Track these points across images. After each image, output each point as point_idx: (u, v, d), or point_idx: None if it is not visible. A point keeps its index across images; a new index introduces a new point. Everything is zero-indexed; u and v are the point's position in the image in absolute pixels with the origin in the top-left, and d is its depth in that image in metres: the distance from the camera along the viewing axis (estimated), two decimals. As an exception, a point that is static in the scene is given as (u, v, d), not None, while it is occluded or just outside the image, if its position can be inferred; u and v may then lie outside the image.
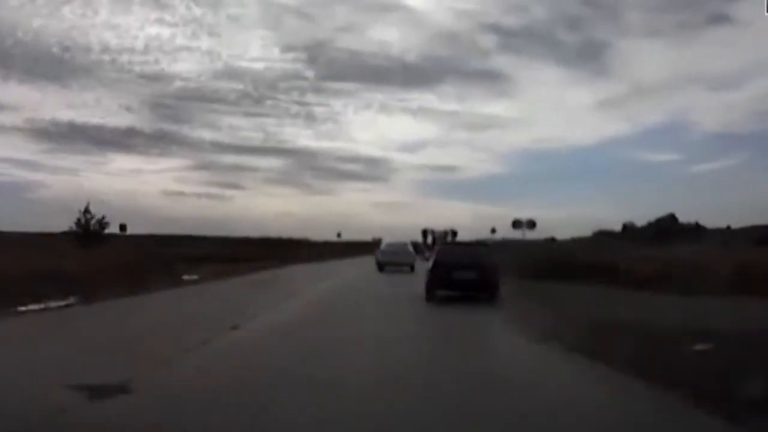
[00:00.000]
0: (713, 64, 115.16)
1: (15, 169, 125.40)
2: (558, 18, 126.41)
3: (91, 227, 38.49)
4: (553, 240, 54.98)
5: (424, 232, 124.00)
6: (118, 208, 75.72)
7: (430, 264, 17.87)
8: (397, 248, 35.36)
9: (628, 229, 42.65)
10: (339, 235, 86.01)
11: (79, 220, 38.56)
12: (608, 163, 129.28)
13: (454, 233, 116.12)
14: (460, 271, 16.63)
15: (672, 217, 45.46)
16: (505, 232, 58.74)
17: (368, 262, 40.37)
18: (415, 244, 54.50)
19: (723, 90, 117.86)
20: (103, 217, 39.29)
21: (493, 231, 62.57)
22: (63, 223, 40.03)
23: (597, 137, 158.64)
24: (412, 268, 33.28)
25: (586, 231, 58.56)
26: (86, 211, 38.72)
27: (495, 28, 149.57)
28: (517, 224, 41.92)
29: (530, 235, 42.28)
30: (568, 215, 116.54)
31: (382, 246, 36.43)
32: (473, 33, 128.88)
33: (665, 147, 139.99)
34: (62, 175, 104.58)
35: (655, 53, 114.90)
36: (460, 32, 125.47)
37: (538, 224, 42.08)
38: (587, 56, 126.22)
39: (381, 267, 33.92)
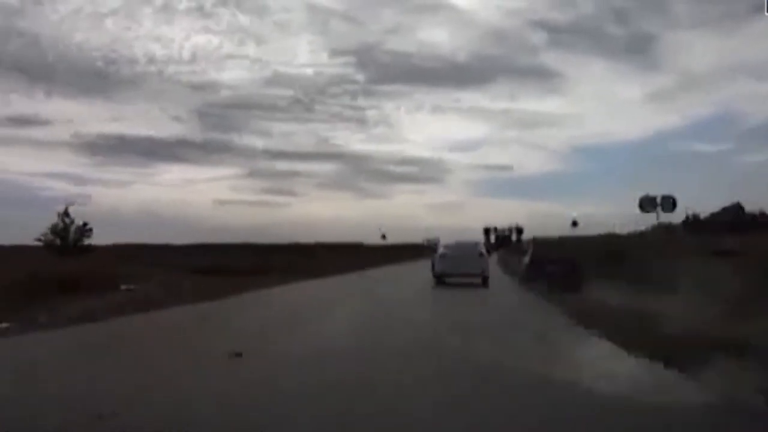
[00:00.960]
0: (759, 54, 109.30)
1: (63, 183, 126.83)
2: (605, 12, 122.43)
3: (71, 236, 32.82)
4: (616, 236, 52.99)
5: (486, 231, 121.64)
6: (169, 218, 76.00)
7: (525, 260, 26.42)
8: (464, 251, 25.50)
9: (690, 221, 39.97)
10: (384, 236, 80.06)
11: (56, 225, 32.90)
12: (659, 156, 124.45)
13: (520, 230, 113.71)
14: (550, 266, 21.79)
15: (738, 207, 42.59)
16: (562, 229, 58.03)
17: (418, 272, 32.05)
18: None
19: None
20: (85, 224, 33.75)
21: (575, 224, 60.43)
22: (107, 236, 37.40)
23: (648, 130, 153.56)
24: (485, 281, 24.38)
25: (640, 225, 56.67)
26: (65, 214, 33.13)
27: (543, 25, 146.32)
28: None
29: (587, 231, 40.93)
30: (621, 210, 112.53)
31: (441, 248, 26.46)
32: (521, 30, 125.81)
33: (716, 138, 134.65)
34: (111, 188, 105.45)
35: (702, 44, 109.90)
36: (509, 30, 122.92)
37: (593, 220, 40.06)
38: (635, 49, 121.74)
39: (440, 278, 25.36)
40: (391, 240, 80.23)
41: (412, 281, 27.43)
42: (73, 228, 32.96)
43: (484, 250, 26.77)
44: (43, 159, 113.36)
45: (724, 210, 44.43)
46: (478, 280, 24.38)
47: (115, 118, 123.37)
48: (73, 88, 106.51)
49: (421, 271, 31.19)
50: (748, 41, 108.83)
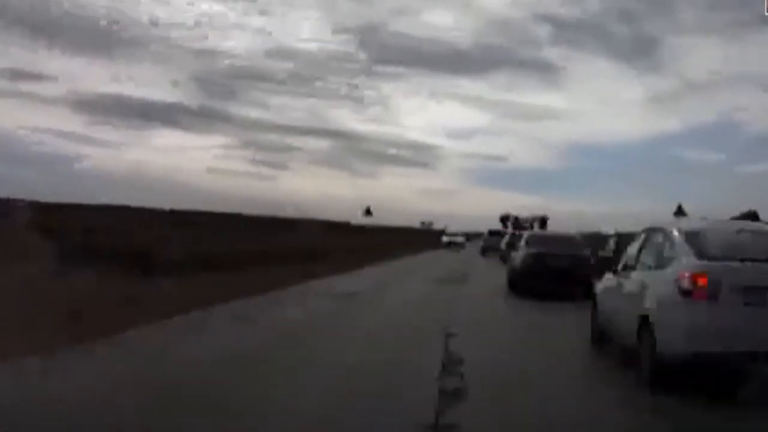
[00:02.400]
0: (765, 64, 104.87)
1: (57, 140, 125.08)
2: (612, 11, 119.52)
3: None
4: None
5: (504, 219, 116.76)
6: (161, 183, 74.65)
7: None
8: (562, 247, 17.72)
9: None
10: (369, 212, 68.89)
11: None
12: (657, 159, 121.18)
13: (544, 221, 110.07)
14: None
15: (754, 215, 40.41)
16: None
17: (432, 279, 22.11)
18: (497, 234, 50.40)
19: None
20: None
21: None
22: (101, 195, 36.60)
23: (646, 133, 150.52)
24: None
25: (636, 226, 55.71)
26: None
27: (549, 18, 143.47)
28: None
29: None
30: (612, 210, 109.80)
31: (523, 243, 18.73)
32: (527, 22, 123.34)
33: (715, 145, 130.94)
34: (105, 148, 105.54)
35: (707, 50, 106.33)
36: (514, 21, 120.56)
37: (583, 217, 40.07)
38: (639, 51, 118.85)
39: (519, 285, 17.40)
40: (378, 221, 73.22)
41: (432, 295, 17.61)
42: None
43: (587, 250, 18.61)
44: (39, 114, 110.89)
45: (743, 216, 42.84)
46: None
47: (114, 78, 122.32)
48: (75, 46, 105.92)
49: (432, 269, 28.66)
50: (753, 50, 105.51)
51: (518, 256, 18.30)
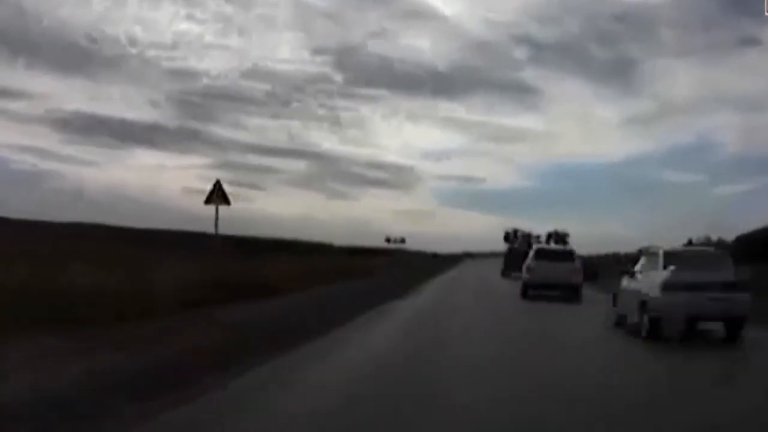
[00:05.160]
0: (742, 86, 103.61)
1: (33, 158, 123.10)
2: (590, 33, 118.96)
3: None
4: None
5: (508, 237, 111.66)
6: (136, 202, 72.89)
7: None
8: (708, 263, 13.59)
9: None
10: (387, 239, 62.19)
11: None
12: (634, 180, 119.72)
13: (562, 238, 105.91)
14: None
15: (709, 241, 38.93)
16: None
17: None
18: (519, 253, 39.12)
19: (750, 112, 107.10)
20: None
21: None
22: (75, 214, 35.00)
23: (624, 154, 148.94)
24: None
25: (617, 248, 59.81)
26: None
27: (526, 40, 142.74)
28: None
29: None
30: (590, 231, 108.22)
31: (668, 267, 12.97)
32: (505, 44, 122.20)
33: (690, 167, 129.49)
34: (82, 166, 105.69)
35: (685, 72, 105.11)
36: (492, 43, 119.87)
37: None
38: (617, 73, 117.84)
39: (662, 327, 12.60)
40: (350, 242, 67.02)
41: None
42: None
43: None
44: (17, 131, 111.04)
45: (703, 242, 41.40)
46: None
47: (92, 97, 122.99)
48: (54, 64, 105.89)
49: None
50: (731, 72, 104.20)
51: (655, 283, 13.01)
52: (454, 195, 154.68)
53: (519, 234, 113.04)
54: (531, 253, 25.35)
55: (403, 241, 54.99)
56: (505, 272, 40.69)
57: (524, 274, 24.51)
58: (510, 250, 46.99)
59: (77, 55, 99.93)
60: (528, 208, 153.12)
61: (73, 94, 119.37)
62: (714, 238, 41.18)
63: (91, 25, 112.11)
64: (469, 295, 26.19)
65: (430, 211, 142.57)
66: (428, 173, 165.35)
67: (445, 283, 35.34)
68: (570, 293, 23.14)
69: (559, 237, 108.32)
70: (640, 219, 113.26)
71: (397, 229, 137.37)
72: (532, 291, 23.61)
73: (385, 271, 38.79)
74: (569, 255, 25.11)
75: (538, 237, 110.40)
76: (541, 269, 23.41)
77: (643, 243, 30.98)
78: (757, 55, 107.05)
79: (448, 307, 20.72)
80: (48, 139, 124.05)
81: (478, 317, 17.52)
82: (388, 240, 54.29)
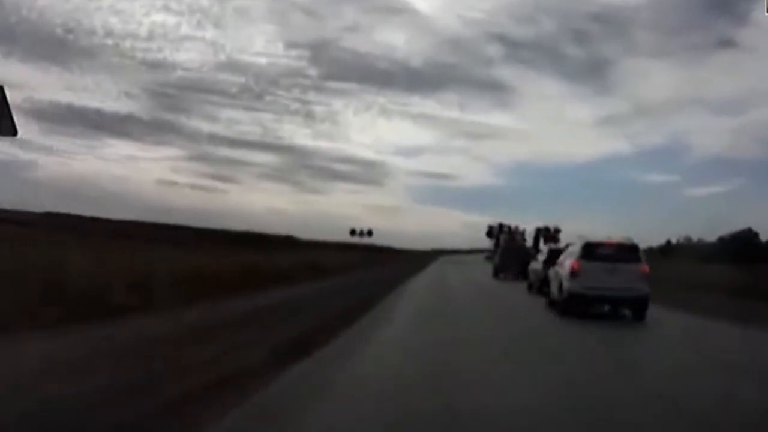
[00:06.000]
0: (717, 88, 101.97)
1: (12, 147, 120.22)
2: (565, 32, 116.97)
3: None
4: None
5: (492, 232, 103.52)
6: (110, 193, 70.91)
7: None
8: None
9: (675, 246, 33.45)
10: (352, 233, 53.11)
11: None
12: (606, 180, 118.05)
13: (552, 235, 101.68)
14: None
15: (748, 234, 35.20)
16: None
17: None
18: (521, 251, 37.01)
19: (725, 114, 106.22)
20: None
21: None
22: (52, 203, 28.85)
23: (596, 153, 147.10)
24: None
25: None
26: None
27: (501, 38, 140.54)
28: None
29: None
30: (561, 230, 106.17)
31: None
32: (479, 41, 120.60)
33: (663, 168, 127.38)
34: (57, 156, 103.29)
35: (660, 73, 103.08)
36: (467, 40, 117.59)
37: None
38: (592, 72, 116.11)
39: None
40: (318, 236, 64.56)
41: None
42: None
43: None
44: None
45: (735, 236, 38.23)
46: None
47: (68, 87, 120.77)
48: (31, 54, 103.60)
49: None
50: (705, 74, 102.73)
51: None
52: (425, 191, 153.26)
53: (505, 229, 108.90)
54: (573, 250, 17.28)
55: (370, 233, 49.68)
56: (499, 273, 35.18)
57: (565, 282, 16.34)
58: (506, 248, 39.12)
59: (54, 45, 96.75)
60: (500, 206, 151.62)
61: (49, 84, 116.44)
62: (695, 238, 38.11)
63: (69, 14, 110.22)
64: (480, 321, 15.38)
65: (401, 206, 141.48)
66: (400, 169, 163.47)
67: (430, 293, 24.17)
68: (635, 309, 15.75)
69: (549, 233, 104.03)
70: (610, 218, 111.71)
71: (369, 224, 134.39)
72: (575, 306, 16.04)
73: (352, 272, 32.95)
74: (633, 252, 16.62)
75: (523, 232, 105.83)
76: (593, 274, 15.76)
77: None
78: (733, 57, 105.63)
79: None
80: (25, 129, 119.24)
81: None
82: (353, 232, 48.80)
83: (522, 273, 30.04)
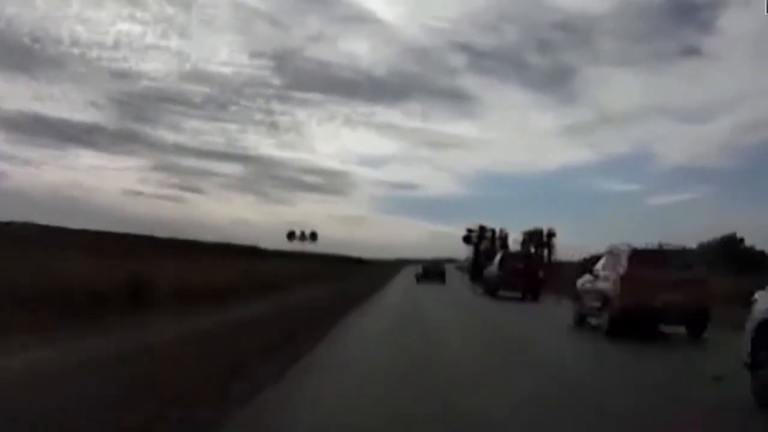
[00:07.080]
0: (682, 97, 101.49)
1: None
2: (529, 41, 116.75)
3: None
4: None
5: (469, 238, 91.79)
6: (76, 203, 69.60)
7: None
8: None
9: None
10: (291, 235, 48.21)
11: None
12: (570, 190, 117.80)
13: (546, 241, 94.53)
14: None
15: (733, 240, 33.10)
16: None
17: None
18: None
19: (690, 123, 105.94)
20: None
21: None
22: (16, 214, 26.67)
23: (560, 163, 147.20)
24: None
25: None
26: None
27: (465, 47, 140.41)
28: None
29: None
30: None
31: None
32: (443, 51, 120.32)
33: (627, 177, 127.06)
34: (22, 166, 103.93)
35: (624, 82, 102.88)
36: (430, 49, 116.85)
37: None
38: (555, 81, 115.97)
39: None
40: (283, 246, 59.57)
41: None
42: None
43: None
44: None
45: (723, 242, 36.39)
46: None
47: (35, 96, 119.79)
48: None
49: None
50: (669, 82, 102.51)
51: None
52: (389, 201, 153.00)
53: (488, 234, 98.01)
54: (616, 259, 14.22)
55: (314, 237, 43.46)
56: (496, 291, 28.05)
57: (613, 298, 13.51)
58: (504, 256, 30.79)
59: (21, 54, 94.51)
60: (464, 215, 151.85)
61: (16, 93, 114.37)
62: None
63: (35, 23, 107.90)
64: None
65: (365, 216, 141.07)
66: (364, 179, 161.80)
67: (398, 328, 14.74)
68: (694, 326, 13.39)
69: (542, 238, 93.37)
70: (576, 227, 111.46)
71: (333, 235, 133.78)
72: (624, 325, 13.21)
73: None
74: (691, 258, 14.49)
75: (505, 238, 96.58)
76: (648, 287, 12.95)
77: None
78: (697, 65, 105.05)
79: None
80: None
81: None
82: (291, 235, 42.23)
83: (531, 291, 25.98)
